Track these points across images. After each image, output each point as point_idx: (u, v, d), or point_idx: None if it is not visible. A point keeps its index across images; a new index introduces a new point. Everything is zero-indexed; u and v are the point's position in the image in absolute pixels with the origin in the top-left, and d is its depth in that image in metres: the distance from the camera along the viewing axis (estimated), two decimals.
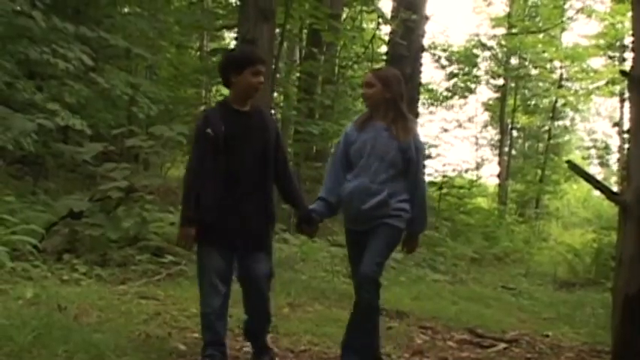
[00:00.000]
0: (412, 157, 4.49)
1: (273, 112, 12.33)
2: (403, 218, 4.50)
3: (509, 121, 26.26)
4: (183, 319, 5.41)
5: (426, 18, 15.41)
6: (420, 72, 15.64)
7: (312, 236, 4.99)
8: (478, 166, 29.87)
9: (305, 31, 16.50)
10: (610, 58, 24.84)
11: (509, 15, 25.04)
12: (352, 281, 4.81)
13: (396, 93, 4.56)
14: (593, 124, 31.98)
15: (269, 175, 4.36)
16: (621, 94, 23.93)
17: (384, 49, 17.16)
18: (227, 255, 4.28)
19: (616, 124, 27.24)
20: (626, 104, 22.00)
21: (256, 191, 4.31)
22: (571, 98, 26.23)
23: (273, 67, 10.30)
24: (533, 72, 26.03)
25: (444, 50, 25.69)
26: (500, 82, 26.27)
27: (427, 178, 20.43)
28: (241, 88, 4.32)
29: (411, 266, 11.34)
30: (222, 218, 4.23)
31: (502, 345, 6.10)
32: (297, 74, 16.61)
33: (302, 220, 4.55)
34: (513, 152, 27.32)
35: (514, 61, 26.01)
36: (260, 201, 4.32)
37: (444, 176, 19.39)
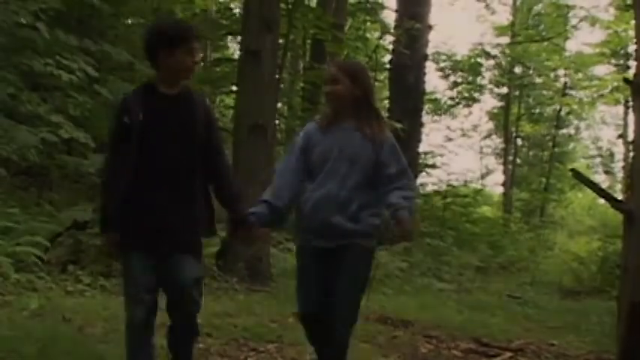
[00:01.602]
0: (385, 160, 3.78)
1: (277, 122, 12.35)
2: (374, 237, 3.83)
3: (513, 129, 26.27)
4: None
5: (430, 27, 15.50)
6: (423, 81, 15.74)
7: (249, 243, 4.34)
8: (483, 175, 29.84)
9: (309, 41, 16.53)
10: (614, 65, 24.84)
11: (512, 24, 25.08)
12: (301, 316, 3.90)
13: (367, 88, 3.88)
14: (599, 132, 31.94)
15: (196, 169, 3.67)
16: (626, 101, 23.92)
17: (387, 58, 17.24)
18: (148, 260, 3.62)
19: (620, 136, 27.21)
20: (631, 112, 21.99)
21: (181, 189, 3.63)
22: (575, 106, 26.23)
23: (277, 77, 10.32)
24: (538, 80, 26.08)
25: (448, 59, 25.71)
26: (505, 90, 26.27)
27: (431, 187, 20.45)
28: (173, 69, 3.66)
29: (416, 275, 11.35)
30: (138, 220, 3.60)
31: (508, 354, 6.07)
32: (301, 84, 16.64)
33: (235, 223, 3.78)
34: (518, 161, 27.33)
35: (518, 69, 26.04)
36: (187, 199, 3.63)
37: (448, 185, 19.40)
